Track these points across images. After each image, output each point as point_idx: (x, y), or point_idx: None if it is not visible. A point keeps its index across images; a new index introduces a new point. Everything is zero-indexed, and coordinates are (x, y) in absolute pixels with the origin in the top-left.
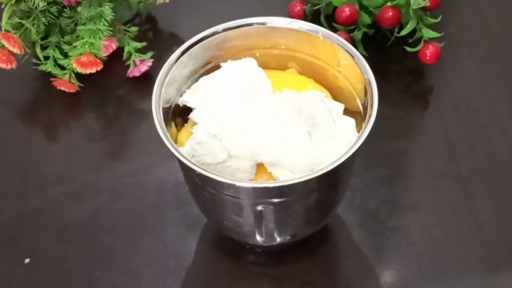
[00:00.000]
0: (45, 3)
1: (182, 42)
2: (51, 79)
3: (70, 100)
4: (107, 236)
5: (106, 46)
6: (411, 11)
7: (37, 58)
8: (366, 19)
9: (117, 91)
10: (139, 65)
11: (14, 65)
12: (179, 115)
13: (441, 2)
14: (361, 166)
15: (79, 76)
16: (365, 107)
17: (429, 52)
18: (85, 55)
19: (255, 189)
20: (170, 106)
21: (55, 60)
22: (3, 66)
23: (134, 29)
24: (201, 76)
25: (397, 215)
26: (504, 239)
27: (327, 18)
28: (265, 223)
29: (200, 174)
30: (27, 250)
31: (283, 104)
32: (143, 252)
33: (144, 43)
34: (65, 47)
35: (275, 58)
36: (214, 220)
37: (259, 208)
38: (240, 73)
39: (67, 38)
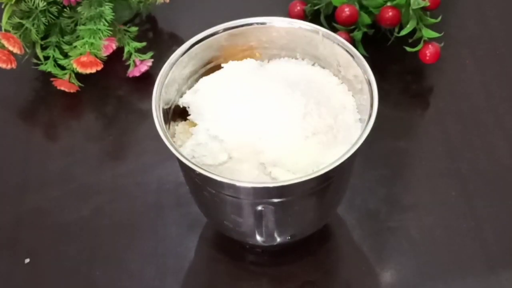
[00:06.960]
0: (45, 3)
1: (182, 42)
2: (51, 79)
3: (70, 100)
4: (107, 236)
5: (106, 46)
6: (411, 11)
7: (37, 58)
8: (366, 19)
9: (117, 91)
10: (139, 65)
11: (14, 65)
12: (179, 115)
13: (441, 2)
14: (361, 166)
15: (79, 76)
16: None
17: (429, 52)
18: (85, 55)
19: (255, 189)
20: (170, 107)
21: (55, 60)
22: (3, 66)
23: (134, 29)
24: (201, 76)
25: (397, 215)
26: (504, 239)
27: (327, 18)
28: (265, 223)
29: (200, 174)
30: (27, 250)
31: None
32: (143, 252)
33: (144, 43)
34: (65, 47)
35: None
36: (214, 220)
37: (259, 208)
38: (240, 73)
39: (67, 38)
